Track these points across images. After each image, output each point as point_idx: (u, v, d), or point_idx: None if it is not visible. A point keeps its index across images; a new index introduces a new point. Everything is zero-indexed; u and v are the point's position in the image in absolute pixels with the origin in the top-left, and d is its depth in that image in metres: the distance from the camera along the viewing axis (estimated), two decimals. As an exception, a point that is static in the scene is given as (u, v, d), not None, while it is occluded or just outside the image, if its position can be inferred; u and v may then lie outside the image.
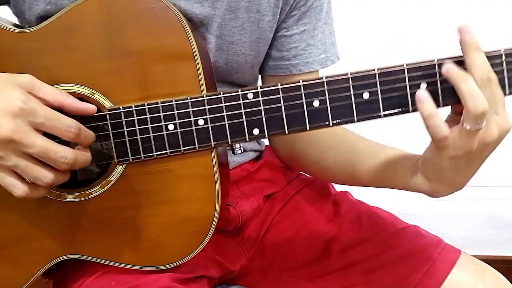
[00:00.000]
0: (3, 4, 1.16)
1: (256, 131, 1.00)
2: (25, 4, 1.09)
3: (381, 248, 1.23)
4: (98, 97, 1.01)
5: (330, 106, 0.98)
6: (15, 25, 1.06)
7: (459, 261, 1.19)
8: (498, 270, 1.21)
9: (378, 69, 0.96)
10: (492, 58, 0.94)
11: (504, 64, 0.94)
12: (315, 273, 1.26)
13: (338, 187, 1.37)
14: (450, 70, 0.91)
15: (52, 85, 0.98)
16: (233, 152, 1.07)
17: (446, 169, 0.96)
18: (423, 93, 0.92)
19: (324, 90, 0.97)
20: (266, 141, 1.40)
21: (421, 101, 0.92)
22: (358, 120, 0.98)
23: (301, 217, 1.32)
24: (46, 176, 0.92)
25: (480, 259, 1.23)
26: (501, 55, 0.94)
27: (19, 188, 0.93)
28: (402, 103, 0.97)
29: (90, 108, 0.98)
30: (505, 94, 0.95)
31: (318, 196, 1.35)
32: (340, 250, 1.25)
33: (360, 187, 1.17)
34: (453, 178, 0.98)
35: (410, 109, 0.97)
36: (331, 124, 0.98)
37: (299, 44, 1.24)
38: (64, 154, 0.92)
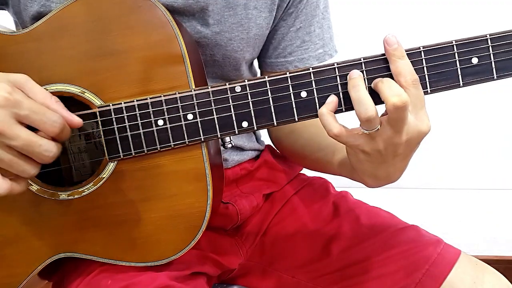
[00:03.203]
0: (1, 9, 1.15)
1: (245, 124, 0.97)
2: (20, 5, 1.07)
3: (381, 248, 1.19)
4: (88, 95, 0.98)
5: (317, 97, 0.95)
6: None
7: (459, 261, 1.14)
8: (498, 270, 1.17)
9: (363, 58, 0.94)
10: (444, 49, 0.93)
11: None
12: (315, 272, 1.22)
13: (338, 187, 1.34)
14: (349, 76, 0.92)
15: (43, 84, 0.97)
16: (224, 146, 1.03)
17: (362, 161, 0.96)
18: (331, 97, 0.93)
19: (311, 81, 0.95)
20: (266, 141, 1.37)
21: (325, 103, 0.93)
22: (347, 110, 0.95)
23: (301, 216, 1.28)
24: (32, 168, 0.88)
25: (480, 259, 1.19)
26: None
27: (2, 186, 0.87)
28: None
29: (75, 120, 0.91)
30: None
31: (317, 196, 1.31)
32: (340, 250, 1.21)
33: (360, 187, 1.13)
34: (374, 172, 0.98)
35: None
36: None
37: (294, 41, 1.22)
38: (48, 147, 0.87)
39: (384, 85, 0.89)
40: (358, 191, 1.27)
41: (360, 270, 1.18)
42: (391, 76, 0.92)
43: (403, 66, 0.90)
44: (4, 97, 0.84)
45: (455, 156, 2.14)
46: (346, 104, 0.94)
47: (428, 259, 1.14)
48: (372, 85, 0.92)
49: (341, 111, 0.95)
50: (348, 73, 0.92)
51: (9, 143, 0.85)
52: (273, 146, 1.36)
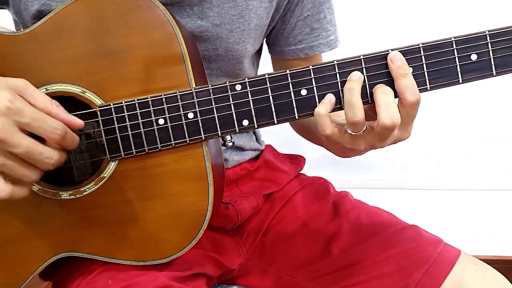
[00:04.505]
0: (2, 8, 1.14)
1: (245, 122, 0.96)
2: (21, 4, 1.07)
3: (381, 247, 1.17)
4: (89, 95, 0.97)
5: (317, 95, 0.94)
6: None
7: (459, 261, 1.13)
8: (498, 270, 1.15)
9: (363, 56, 0.93)
10: (443, 45, 0.92)
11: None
12: (315, 273, 1.20)
13: (338, 188, 1.32)
14: (349, 77, 0.93)
15: (44, 85, 0.97)
16: (224, 145, 1.02)
17: (337, 146, 0.99)
18: (329, 96, 0.94)
19: (311, 79, 0.94)
20: (266, 141, 1.36)
21: (322, 102, 0.94)
22: (346, 108, 0.93)
23: (301, 217, 1.26)
24: (33, 173, 0.89)
25: (480, 259, 1.17)
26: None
27: (3, 190, 0.88)
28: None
29: (77, 122, 0.92)
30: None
31: (317, 196, 1.30)
32: (340, 250, 1.20)
33: (360, 188, 1.12)
34: (344, 153, 1.07)
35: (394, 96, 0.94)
36: None
37: (303, 29, 1.21)
38: (49, 154, 0.88)
39: (382, 103, 0.90)
40: (358, 191, 1.26)
41: (360, 270, 1.16)
42: (389, 74, 0.92)
43: (406, 85, 0.90)
44: (6, 105, 0.84)
45: (455, 157, 2.12)
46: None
47: (428, 259, 1.12)
48: (372, 90, 0.92)
49: (340, 108, 0.94)
50: (347, 70, 0.92)
51: (11, 150, 0.86)
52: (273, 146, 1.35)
